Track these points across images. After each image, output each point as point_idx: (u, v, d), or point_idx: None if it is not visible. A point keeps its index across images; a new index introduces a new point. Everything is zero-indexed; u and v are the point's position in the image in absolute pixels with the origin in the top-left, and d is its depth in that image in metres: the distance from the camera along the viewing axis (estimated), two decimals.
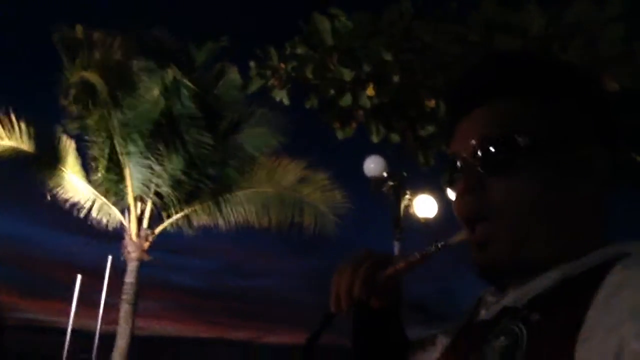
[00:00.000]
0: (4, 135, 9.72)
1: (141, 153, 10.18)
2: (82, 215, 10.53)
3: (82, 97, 9.58)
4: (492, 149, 0.65)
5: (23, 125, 9.88)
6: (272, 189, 10.74)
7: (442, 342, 0.79)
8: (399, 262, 0.78)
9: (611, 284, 0.54)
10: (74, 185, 10.48)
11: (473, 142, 0.67)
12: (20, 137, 9.90)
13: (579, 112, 0.67)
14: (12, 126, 9.80)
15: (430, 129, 3.75)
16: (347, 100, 3.53)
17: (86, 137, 10.39)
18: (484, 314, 0.70)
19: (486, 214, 0.65)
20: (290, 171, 10.71)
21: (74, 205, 10.48)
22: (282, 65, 3.48)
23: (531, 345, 0.56)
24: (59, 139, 10.36)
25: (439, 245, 0.74)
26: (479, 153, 0.66)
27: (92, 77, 9.29)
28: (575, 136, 0.65)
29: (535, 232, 0.63)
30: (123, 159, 10.15)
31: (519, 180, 0.63)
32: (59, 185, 10.34)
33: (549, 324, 0.56)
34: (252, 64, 3.64)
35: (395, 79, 3.14)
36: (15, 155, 9.94)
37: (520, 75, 0.68)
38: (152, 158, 10.27)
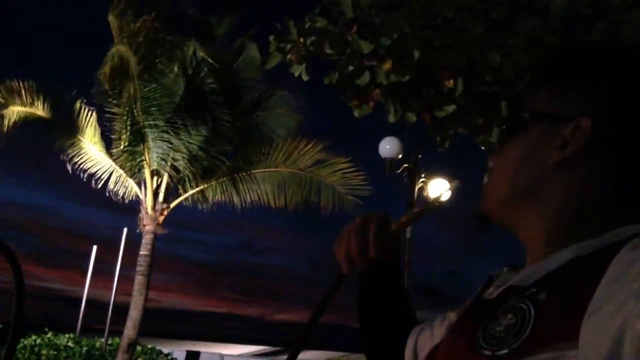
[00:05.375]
0: (18, 101, 9.91)
1: (160, 127, 10.24)
2: (99, 186, 10.69)
3: (116, 71, 9.71)
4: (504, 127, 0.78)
5: (41, 94, 10.08)
6: (289, 170, 10.77)
7: (451, 319, 0.81)
8: (402, 217, 0.87)
9: (618, 264, 0.55)
10: (92, 155, 10.62)
11: None
12: (37, 104, 10.09)
13: (583, 91, 0.70)
14: (31, 95, 10.00)
15: (448, 109, 3.72)
16: (364, 79, 3.52)
17: (107, 109, 10.50)
18: (492, 292, 0.73)
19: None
20: (308, 153, 10.69)
21: (92, 175, 10.63)
22: (301, 40, 3.45)
23: (538, 323, 0.57)
24: (77, 108, 10.50)
25: (434, 201, 0.86)
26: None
27: (125, 51, 9.38)
28: (566, 113, 0.69)
29: (506, 194, 0.73)
30: (143, 132, 10.24)
31: (508, 151, 0.75)
32: (77, 155, 10.49)
33: (556, 303, 0.58)
34: (271, 37, 3.61)
35: (415, 55, 3.12)
36: (34, 121, 10.17)
37: (550, 66, 0.76)
38: (171, 132, 10.33)
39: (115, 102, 10.29)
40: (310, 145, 10.67)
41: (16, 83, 9.93)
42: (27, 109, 10.00)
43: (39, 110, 10.11)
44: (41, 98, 10.08)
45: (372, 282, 0.99)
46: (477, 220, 0.80)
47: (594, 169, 0.66)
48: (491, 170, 0.77)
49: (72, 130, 10.44)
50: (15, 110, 9.89)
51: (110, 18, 9.69)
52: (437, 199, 0.84)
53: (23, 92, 9.96)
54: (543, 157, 0.69)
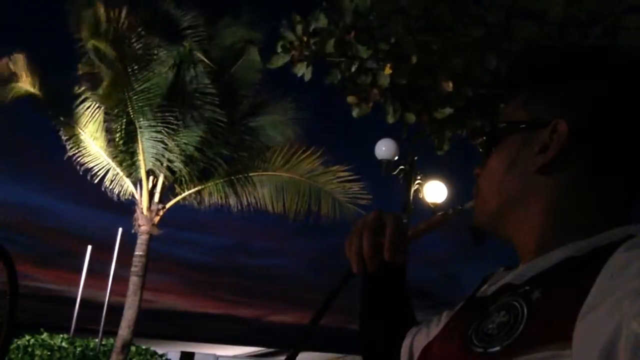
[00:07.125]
0: (16, 80, 9.84)
1: (153, 126, 10.18)
2: (95, 181, 10.63)
3: (95, 65, 9.63)
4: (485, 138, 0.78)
5: (40, 75, 10.01)
6: (287, 175, 10.75)
7: (446, 319, 0.81)
8: (420, 224, 0.85)
9: (613, 265, 0.55)
10: (92, 150, 10.55)
11: None
12: (35, 84, 10.01)
13: (557, 94, 0.70)
14: (29, 73, 9.92)
15: (446, 111, 3.72)
16: (367, 79, 3.52)
17: (107, 111, 10.44)
18: (485, 290, 0.73)
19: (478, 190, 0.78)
20: (306, 160, 10.68)
21: (88, 171, 10.56)
22: (305, 39, 3.45)
23: (531, 322, 0.57)
24: (80, 100, 10.39)
25: (456, 209, 0.82)
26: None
27: (101, 44, 9.29)
28: (541, 118, 0.69)
29: (495, 207, 0.73)
30: (137, 131, 10.19)
31: (491, 163, 0.75)
32: (76, 147, 10.43)
33: (549, 302, 0.57)
34: (282, 30, 3.58)
35: (413, 59, 3.13)
36: (29, 99, 10.09)
37: (520, 73, 0.76)
38: (165, 132, 10.28)
39: (106, 100, 10.20)
40: (308, 152, 10.68)
41: (12, 63, 9.79)
42: (23, 85, 9.84)
43: (35, 89, 9.95)
44: (38, 79, 9.95)
45: (381, 284, 0.98)
46: (474, 234, 0.80)
47: (577, 170, 0.67)
48: (478, 181, 0.78)
49: (74, 120, 10.33)
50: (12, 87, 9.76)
51: (101, 13, 9.59)
52: (454, 208, 0.82)
53: (23, 73, 9.84)
54: (525, 164, 0.70)
